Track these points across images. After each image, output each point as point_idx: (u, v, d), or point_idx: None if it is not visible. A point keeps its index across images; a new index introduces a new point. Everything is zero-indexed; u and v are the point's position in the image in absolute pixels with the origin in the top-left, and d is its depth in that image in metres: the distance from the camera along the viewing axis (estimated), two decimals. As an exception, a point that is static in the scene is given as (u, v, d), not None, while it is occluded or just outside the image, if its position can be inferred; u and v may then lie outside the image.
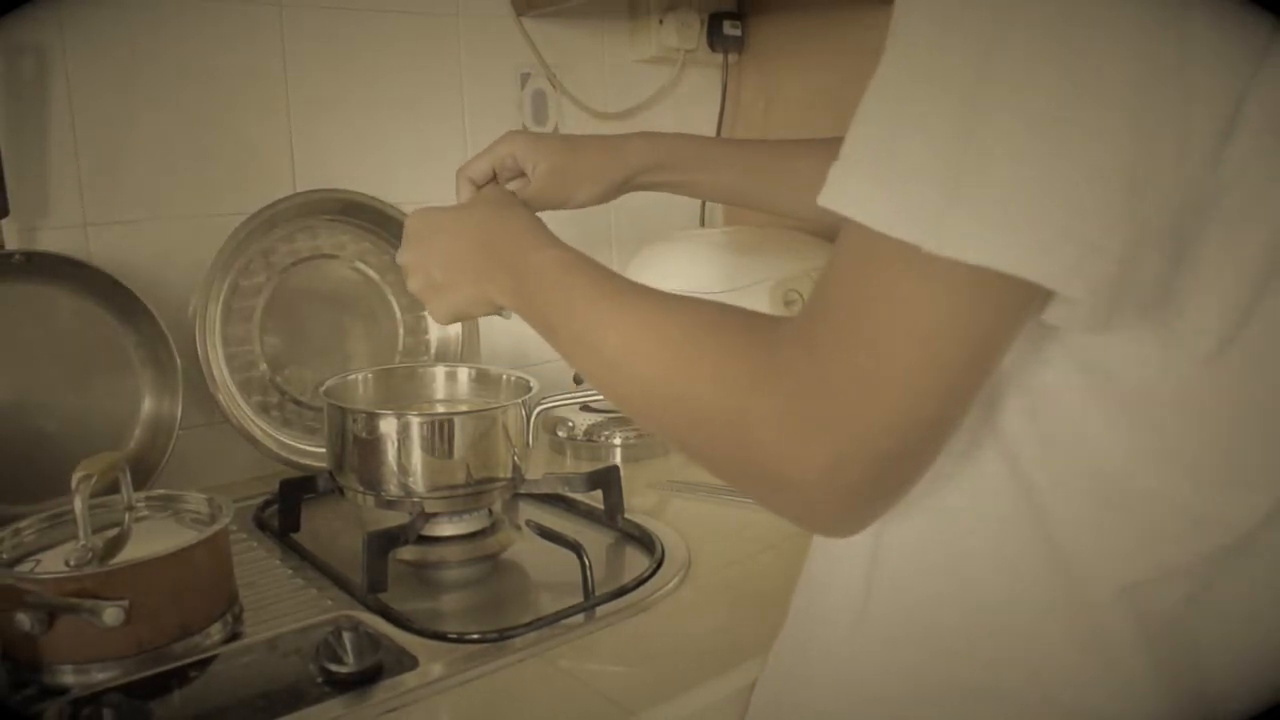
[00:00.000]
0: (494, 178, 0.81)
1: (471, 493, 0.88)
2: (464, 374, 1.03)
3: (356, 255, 1.17)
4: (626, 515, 0.96)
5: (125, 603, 0.67)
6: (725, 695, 0.69)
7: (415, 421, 0.87)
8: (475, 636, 0.74)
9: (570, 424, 1.19)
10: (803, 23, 1.44)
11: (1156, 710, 0.49)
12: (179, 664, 0.69)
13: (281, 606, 0.80)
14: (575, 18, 1.36)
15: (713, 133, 1.51)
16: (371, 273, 1.18)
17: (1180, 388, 0.46)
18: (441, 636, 0.74)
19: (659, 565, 0.86)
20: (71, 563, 0.69)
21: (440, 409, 1.00)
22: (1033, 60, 0.39)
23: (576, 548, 0.82)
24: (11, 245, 0.95)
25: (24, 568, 0.70)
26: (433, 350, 1.22)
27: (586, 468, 0.99)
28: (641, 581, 0.83)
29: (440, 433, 0.87)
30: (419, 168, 1.23)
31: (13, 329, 0.95)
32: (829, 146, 0.44)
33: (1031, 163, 0.39)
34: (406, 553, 0.86)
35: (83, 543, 0.70)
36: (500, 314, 0.73)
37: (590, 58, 1.40)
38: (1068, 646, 0.50)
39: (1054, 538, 0.49)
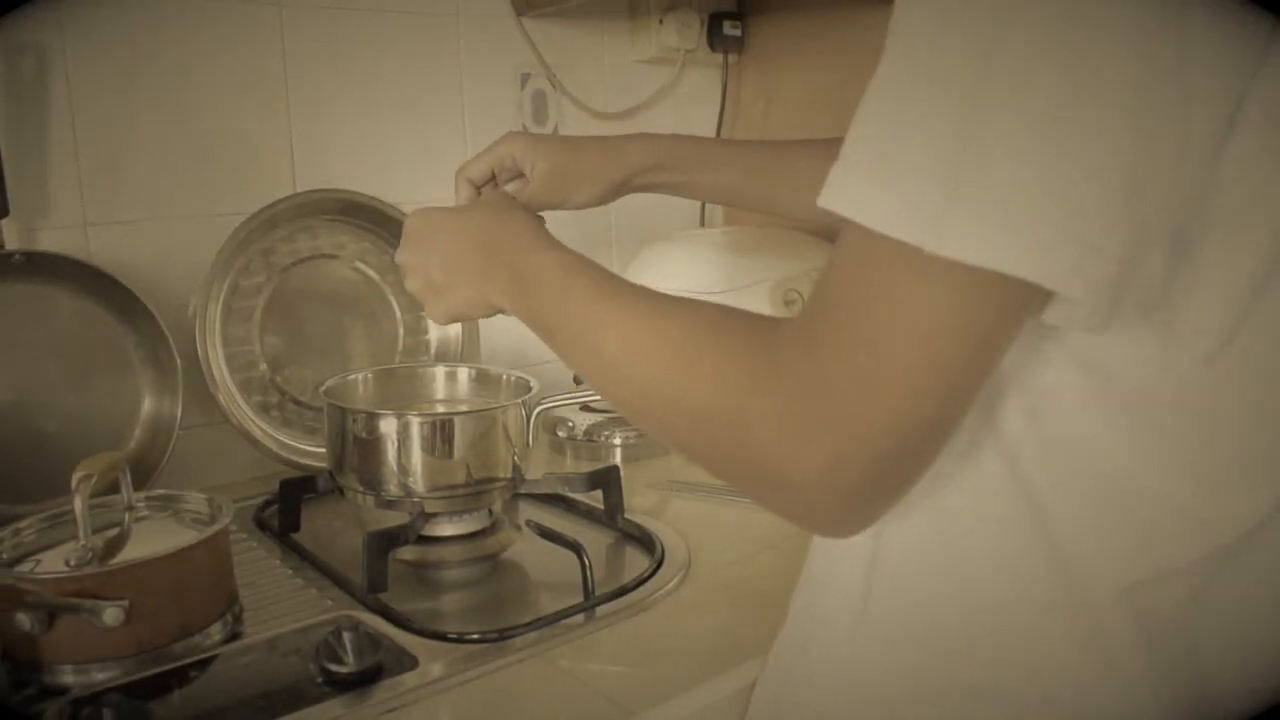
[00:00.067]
0: (493, 178, 0.81)
1: (471, 493, 0.88)
2: (464, 374, 1.03)
3: (356, 255, 1.17)
4: (626, 515, 0.96)
5: (125, 603, 0.67)
6: (725, 695, 0.69)
7: (415, 421, 0.87)
8: (475, 636, 0.74)
9: (570, 424, 1.19)
10: (803, 23, 1.44)
11: (1156, 710, 0.49)
12: (179, 664, 0.69)
13: (281, 606, 0.80)
14: (575, 18, 1.36)
15: (713, 133, 1.51)
16: (371, 273, 1.18)
17: (1180, 387, 0.46)
18: (441, 636, 0.74)
19: (659, 565, 0.86)
20: (71, 563, 0.69)
21: (440, 409, 1.00)
22: (1033, 60, 0.39)
23: (576, 548, 0.82)
24: (11, 245, 0.95)
25: (24, 568, 0.70)
26: (433, 350, 1.22)
27: (586, 468, 0.99)
28: (641, 581, 0.83)
29: (440, 433, 0.87)
30: (419, 168, 1.23)
31: (13, 329, 0.95)
32: (829, 147, 0.44)
33: (1031, 163, 0.39)
34: (406, 553, 0.86)
35: (83, 543, 0.70)
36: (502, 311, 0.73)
37: (590, 58, 1.40)
38: (1068, 646, 0.50)
39: (1054, 538, 0.49)
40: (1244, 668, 0.49)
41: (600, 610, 0.79)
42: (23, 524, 0.75)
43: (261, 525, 0.98)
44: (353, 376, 0.99)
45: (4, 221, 0.94)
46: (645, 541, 0.91)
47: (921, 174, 0.41)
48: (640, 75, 1.44)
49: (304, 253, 1.13)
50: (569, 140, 0.82)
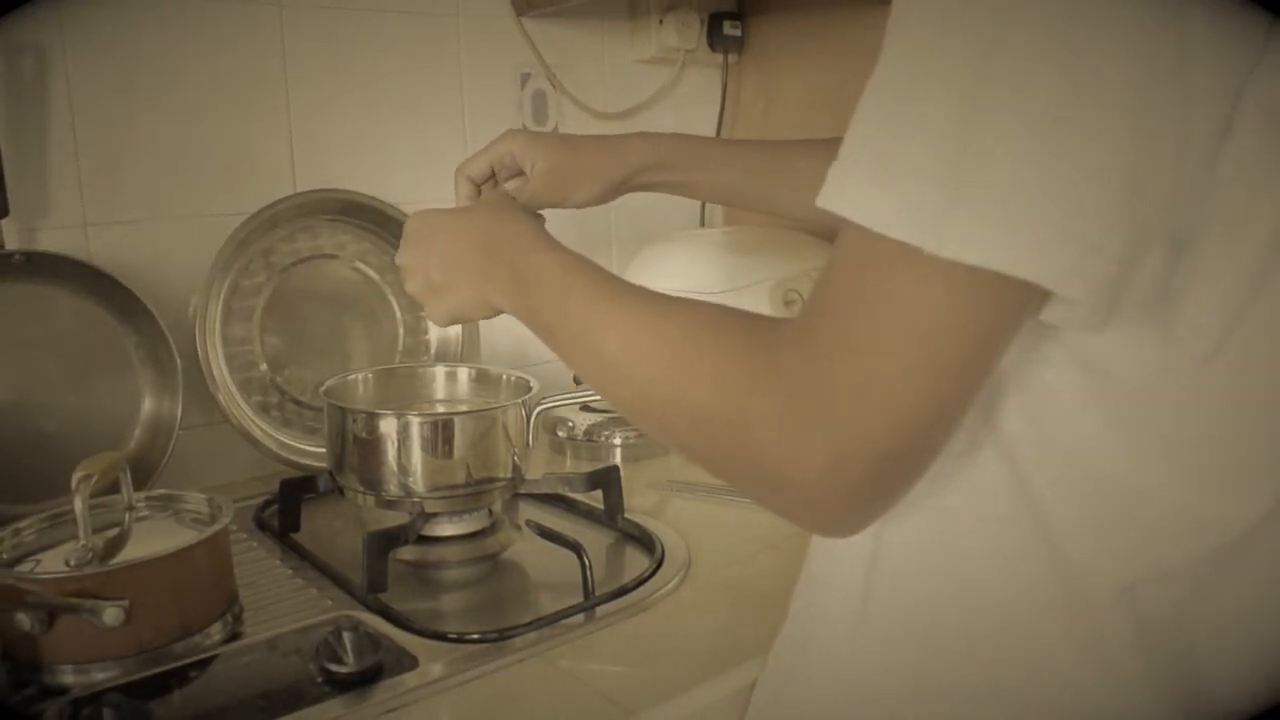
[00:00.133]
0: (492, 176, 0.81)
1: (471, 493, 0.88)
2: (464, 374, 1.03)
3: (356, 255, 1.17)
4: (626, 515, 0.96)
5: (125, 603, 0.67)
6: (725, 695, 0.69)
7: (415, 421, 0.87)
8: (475, 636, 0.74)
9: (570, 424, 1.19)
10: (803, 23, 1.44)
11: (1156, 711, 0.49)
12: (179, 664, 0.69)
13: (281, 606, 0.80)
14: (575, 18, 1.36)
15: (712, 133, 1.51)
16: (371, 273, 1.18)
17: (1179, 387, 0.46)
18: (441, 636, 0.74)
19: (659, 565, 0.86)
20: (71, 563, 0.69)
21: (440, 409, 1.00)
22: (1033, 60, 0.39)
23: (576, 548, 0.82)
24: (11, 245, 0.95)
25: (24, 568, 0.70)
26: (433, 350, 1.22)
27: (586, 468, 0.99)
28: (641, 581, 0.83)
29: (440, 433, 0.87)
30: (419, 168, 1.23)
31: (13, 329, 0.95)
32: (829, 147, 0.44)
33: (1032, 163, 0.39)
34: (406, 553, 0.86)
35: (83, 543, 0.70)
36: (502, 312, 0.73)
37: (590, 58, 1.40)
38: (1067, 647, 0.50)
39: (1053, 538, 0.49)
40: (1243, 668, 0.49)
41: (600, 610, 0.79)
42: (23, 524, 0.75)
43: (261, 525, 0.98)
44: (353, 376, 0.99)
45: (4, 221, 0.94)
46: (645, 541, 0.91)
47: (921, 174, 0.41)
48: (640, 75, 1.44)
49: (304, 253, 1.13)
50: (569, 139, 0.82)
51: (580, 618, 0.77)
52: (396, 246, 0.77)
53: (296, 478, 0.97)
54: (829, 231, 0.46)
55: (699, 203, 1.48)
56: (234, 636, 0.75)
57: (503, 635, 0.74)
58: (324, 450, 0.93)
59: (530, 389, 0.93)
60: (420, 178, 1.23)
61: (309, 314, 1.14)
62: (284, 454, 1.08)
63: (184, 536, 0.73)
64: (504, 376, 1.00)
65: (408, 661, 0.70)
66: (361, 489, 0.89)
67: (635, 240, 1.37)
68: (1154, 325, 0.45)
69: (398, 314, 1.20)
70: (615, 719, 0.65)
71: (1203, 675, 0.49)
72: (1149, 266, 0.43)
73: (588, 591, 0.80)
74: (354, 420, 0.88)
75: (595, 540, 0.93)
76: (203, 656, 0.71)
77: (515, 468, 0.91)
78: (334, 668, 0.68)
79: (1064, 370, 0.48)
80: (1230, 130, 0.41)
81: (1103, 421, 0.47)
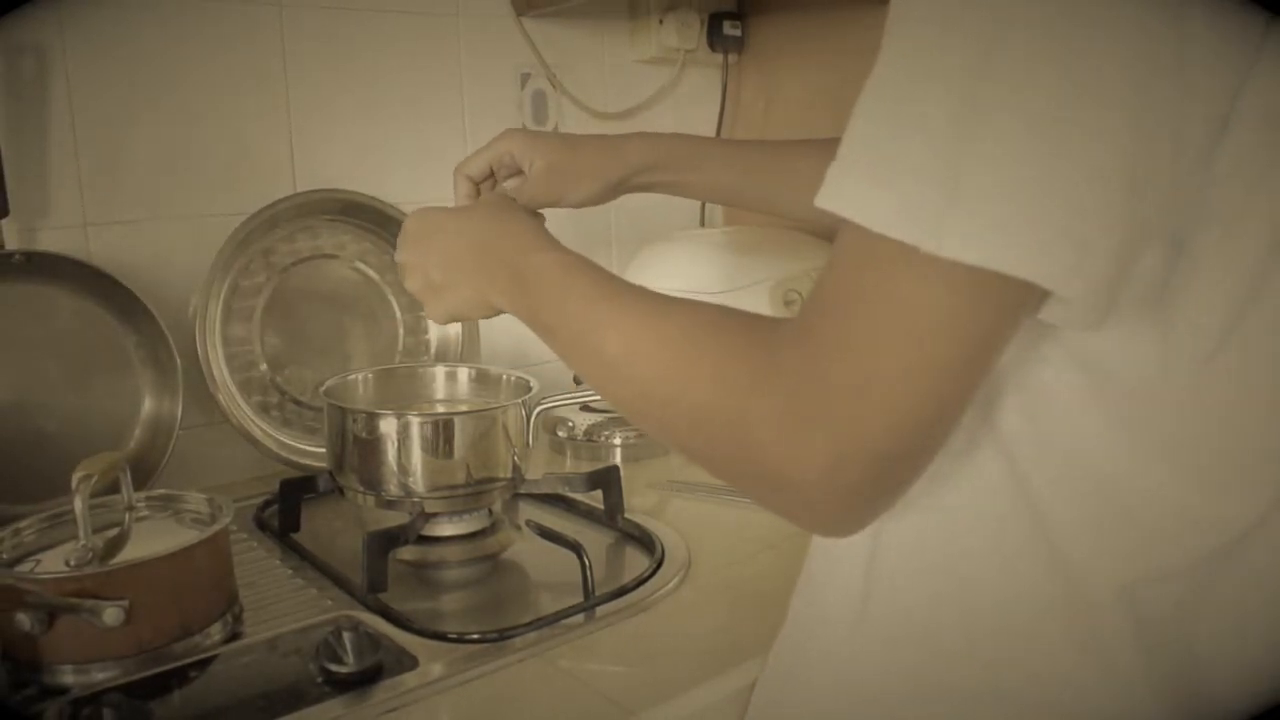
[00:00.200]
0: (491, 175, 0.81)
1: (471, 493, 0.88)
2: (464, 374, 1.03)
3: (356, 255, 1.17)
4: (626, 515, 0.96)
5: (125, 603, 0.67)
6: (725, 695, 0.69)
7: (415, 421, 0.87)
8: (475, 636, 0.74)
9: (570, 424, 1.19)
10: (803, 23, 1.44)
11: (1155, 711, 0.49)
12: (179, 664, 0.69)
13: (281, 606, 0.80)
14: (575, 18, 1.36)
15: (712, 133, 1.51)
16: (371, 273, 1.18)
17: (1179, 387, 0.46)
18: (441, 636, 0.74)
19: (659, 565, 0.86)
20: (71, 563, 0.69)
21: (440, 409, 1.00)
22: (1033, 60, 0.39)
23: (576, 548, 0.82)
24: (11, 245, 0.95)
25: (24, 568, 0.70)
26: (433, 350, 1.22)
27: (586, 468, 0.99)
28: (641, 581, 0.83)
29: (440, 433, 0.87)
30: (419, 168, 1.23)
31: (13, 329, 0.95)
32: (828, 147, 0.44)
33: (1031, 163, 0.39)
34: (406, 553, 0.86)
35: (83, 543, 0.70)
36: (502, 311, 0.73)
37: (590, 58, 1.40)
38: (1067, 647, 0.50)
39: (1052, 537, 0.49)
40: (1243, 667, 0.49)
41: (600, 610, 0.79)
42: (23, 524, 0.75)
43: (261, 525, 0.98)
44: (353, 376, 0.99)
45: (4, 221, 0.94)
46: (645, 541, 0.91)
47: (921, 174, 0.41)
48: (640, 75, 1.44)
49: (304, 253, 1.13)
50: (568, 138, 0.82)
51: (580, 618, 0.77)
52: (396, 246, 0.77)
53: (296, 478, 0.97)
54: (829, 231, 0.46)
55: (699, 203, 1.48)
56: (234, 636, 0.75)
57: (503, 635, 0.74)
58: (324, 450, 0.93)
59: (530, 389, 0.93)
60: (420, 178, 1.23)
61: (309, 314, 1.14)
62: (284, 454, 1.08)
63: (184, 536, 0.73)
64: (504, 376, 1.00)
65: (408, 661, 0.70)
66: (361, 489, 0.89)
67: (635, 240, 1.37)
68: (1153, 324, 0.45)
69: (398, 314, 1.20)
70: (615, 719, 0.65)
71: (1203, 675, 0.49)
72: (1147, 265, 0.43)
73: (588, 591, 0.80)
74: (354, 420, 0.88)
75: (595, 540, 0.93)
76: (203, 656, 0.71)
77: (515, 468, 0.91)
78: (334, 668, 0.68)
79: (1063, 369, 0.48)
80: (1227, 128, 0.41)
81: (1102, 421, 0.47)
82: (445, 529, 0.89)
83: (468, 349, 1.21)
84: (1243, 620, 0.49)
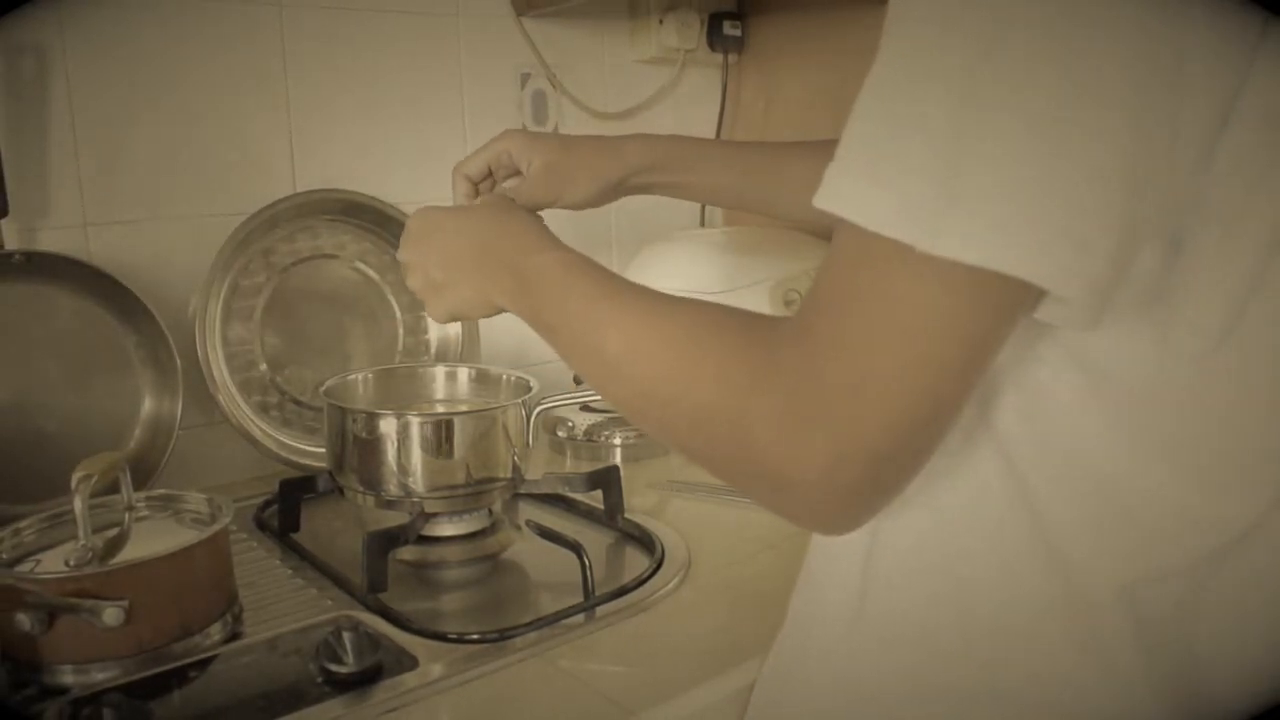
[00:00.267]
0: (490, 175, 0.81)
1: (471, 493, 0.88)
2: (464, 374, 1.03)
3: (356, 255, 1.17)
4: (626, 515, 0.96)
5: (125, 603, 0.67)
6: (725, 695, 0.69)
7: (415, 421, 0.87)
8: (475, 636, 0.74)
9: (570, 424, 1.19)
10: (803, 23, 1.44)
11: (1155, 711, 0.49)
12: (179, 664, 0.69)
13: (281, 606, 0.80)
14: (575, 18, 1.36)
15: (712, 133, 1.51)
16: (371, 273, 1.18)
17: (1178, 386, 0.46)
18: (441, 636, 0.74)
19: (659, 565, 0.86)
20: (71, 563, 0.69)
21: (440, 409, 1.00)
22: (1033, 60, 0.39)
23: (576, 548, 0.82)
24: (11, 245, 0.95)
25: (24, 568, 0.70)
26: (433, 350, 1.22)
27: (586, 468, 0.99)
28: (641, 581, 0.83)
29: (440, 433, 0.87)
30: (419, 168, 1.23)
31: (13, 329, 0.95)
32: (827, 149, 0.44)
33: (1031, 163, 0.39)
34: (406, 553, 0.86)
35: (83, 543, 0.70)
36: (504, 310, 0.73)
37: (590, 58, 1.40)
38: (1066, 647, 0.50)
39: (1051, 537, 0.49)
40: (1243, 667, 0.49)
41: (600, 610, 0.79)
42: (23, 524, 0.75)
43: (261, 525, 0.98)
44: (353, 376, 0.99)
45: (4, 221, 0.94)
46: (645, 541, 0.91)
47: (919, 173, 0.41)
48: (640, 75, 1.44)
49: (304, 253, 1.13)
50: (566, 138, 0.82)
51: (580, 618, 0.77)
52: (396, 246, 0.77)
53: (296, 478, 0.97)
54: (829, 233, 0.46)
55: (699, 203, 1.48)
56: (234, 636, 0.75)
57: (503, 635, 0.74)
58: (324, 450, 0.93)
59: (530, 389, 0.93)
60: (420, 178, 1.23)
61: (309, 314, 1.14)
62: (284, 454, 1.08)
63: (184, 536, 0.73)
64: (504, 376, 1.00)
65: (408, 661, 0.70)
66: (361, 489, 0.89)
67: (635, 240, 1.37)
68: (1152, 324, 0.45)
69: (398, 314, 1.20)
70: (615, 719, 0.65)
71: (1203, 674, 0.49)
72: (1146, 265, 0.43)
73: (588, 591, 0.80)
74: (354, 420, 0.88)
75: (595, 540, 0.93)
76: (203, 656, 0.71)
77: (515, 468, 0.91)
78: (334, 668, 0.68)
79: (1060, 369, 0.48)
80: (1227, 127, 0.41)
81: (1101, 421, 0.47)
82: (445, 529, 0.89)
83: (468, 349, 1.21)
84: (1243, 620, 0.49)
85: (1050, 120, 0.39)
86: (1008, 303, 0.42)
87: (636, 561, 0.89)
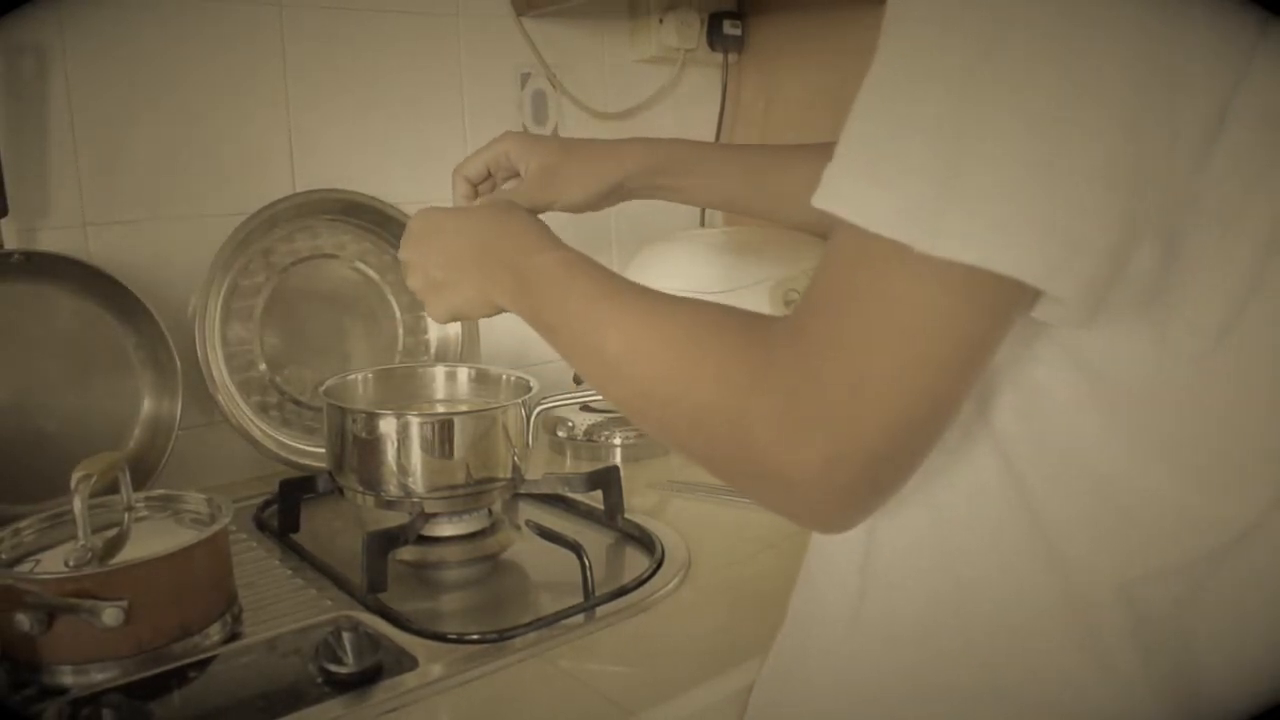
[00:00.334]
0: (489, 176, 0.81)
1: (471, 493, 0.88)
2: (464, 374, 1.03)
3: (356, 255, 1.17)
4: (626, 515, 0.96)
5: (125, 603, 0.67)
6: (725, 695, 0.69)
7: (415, 421, 0.87)
8: (475, 637, 0.74)
9: (570, 424, 1.19)
10: (803, 23, 1.44)
11: (1154, 710, 0.49)
12: (179, 664, 0.69)
13: (281, 606, 0.80)
14: (575, 18, 1.36)
15: (713, 132, 1.51)
16: (371, 273, 1.18)
17: (1176, 386, 0.46)
18: (441, 637, 0.74)
19: (659, 565, 0.86)
20: (71, 563, 0.69)
21: (440, 409, 1.00)
22: (1032, 60, 0.39)
23: (576, 548, 0.82)
24: (11, 245, 0.95)
25: (24, 568, 0.70)
26: (433, 350, 1.22)
27: (586, 468, 0.99)
28: (641, 581, 0.83)
29: (440, 433, 0.87)
30: (419, 168, 1.23)
31: (13, 329, 0.95)
32: (828, 151, 0.44)
33: (1031, 163, 0.39)
34: (406, 553, 0.86)
35: (82, 543, 0.70)
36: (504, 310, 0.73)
37: (590, 58, 1.40)
38: (1065, 646, 0.50)
39: (1049, 536, 0.49)
40: (1243, 666, 0.49)
41: (600, 610, 0.79)
42: (23, 524, 0.75)
43: (261, 525, 0.98)
44: (352, 376, 0.99)
45: (4, 221, 0.94)
46: (645, 541, 0.91)
47: (918, 173, 0.41)
48: (640, 75, 1.44)
49: (304, 253, 1.13)
50: (566, 141, 0.82)
51: (580, 618, 0.77)
52: (396, 246, 0.77)
53: (296, 478, 0.97)
54: (830, 234, 0.46)
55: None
56: (233, 637, 0.75)
57: (503, 635, 0.74)
58: (324, 450, 0.93)
59: (530, 389, 0.93)
60: (420, 178, 1.23)
61: (309, 314, 1.14)
62: (283, 454, 1.08)
63: (183, 537, 0.73)
64: (504, 376, 1.00)
65: (407, 662, 0.70)
66: (361, 489, 0.89)
67: (635, 241, 1.37)
68: (1149, 323, 0.45)
69: (397, 314, 1.20)
70: (615, 719, 0.65)
71: (1202, 674, 0.49)
72: (1143, 264, 0.43)
73: (588, 592, 0.80)
74: (354, 420, 0.88)
75: (595, 540, 0.93)
76: (202, 657, 0.71)
77: (515, 468, 0.91)
78: (334, 668, 0.68)
79: (1058, 369, 0.48)
80: (1225, 127, 0.41)
81: (1099, 420, 0.47)
82: (445, 529, 0.89)
83: (468, 349, 1.21)
84: (1242, 620, 0.49)
85: (1050, 120, 0.39)
86: (1005, 302, 0.42)
87: (636, 562, 0.89)
